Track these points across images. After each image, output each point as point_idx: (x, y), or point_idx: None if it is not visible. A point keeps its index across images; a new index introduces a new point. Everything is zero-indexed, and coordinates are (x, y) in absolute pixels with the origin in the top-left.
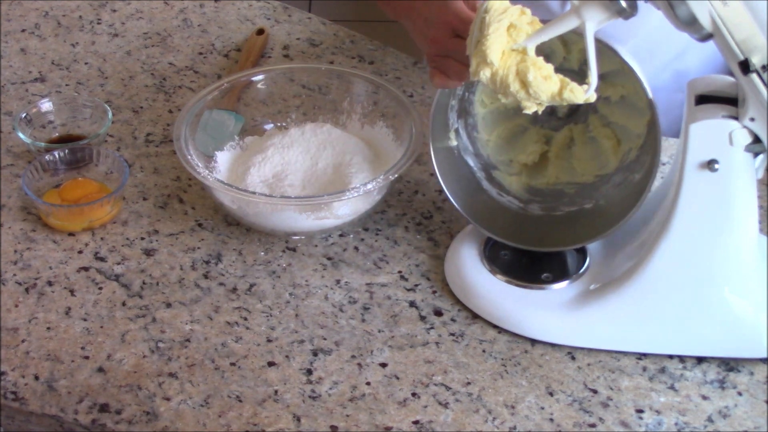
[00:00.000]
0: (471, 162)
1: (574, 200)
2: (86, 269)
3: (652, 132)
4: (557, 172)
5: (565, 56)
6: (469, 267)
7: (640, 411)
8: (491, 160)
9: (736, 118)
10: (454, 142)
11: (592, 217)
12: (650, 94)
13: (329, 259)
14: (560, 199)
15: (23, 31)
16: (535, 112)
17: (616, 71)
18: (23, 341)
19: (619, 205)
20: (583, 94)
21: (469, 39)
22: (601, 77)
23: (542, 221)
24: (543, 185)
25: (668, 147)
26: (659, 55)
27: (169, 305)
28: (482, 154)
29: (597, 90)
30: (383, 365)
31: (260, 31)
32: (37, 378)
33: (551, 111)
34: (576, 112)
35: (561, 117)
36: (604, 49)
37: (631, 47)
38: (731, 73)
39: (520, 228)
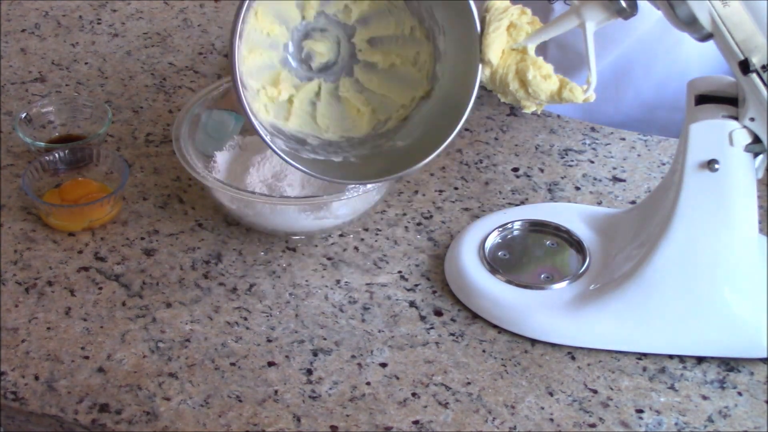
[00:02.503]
0: (235, 73)
1: (317, 151)
2: (86, 269)
3: (459, 108)
4: (299, 121)
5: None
6: (469, 267)
7: (640, 411)
8: (243, 78)
9: (736, 118)
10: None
11: (344, 169)
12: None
13: (329, 259)
14: (303, 145)
15: (23, 31)
16: (287, 57)
17: (395, 37)
18: (23, 341)
19: (375, 167)
20: (583, 94)
21: None
22: (374, 41)
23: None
24: (284, 128)
25: (668, 147)
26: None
27: (169, 305)
28: (238, 68)
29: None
30: (383, 365)
31: None
32: (37, 378)
33: (304, 60)
34: (330, 69)
35: (313, 69)
36: (397, 9)
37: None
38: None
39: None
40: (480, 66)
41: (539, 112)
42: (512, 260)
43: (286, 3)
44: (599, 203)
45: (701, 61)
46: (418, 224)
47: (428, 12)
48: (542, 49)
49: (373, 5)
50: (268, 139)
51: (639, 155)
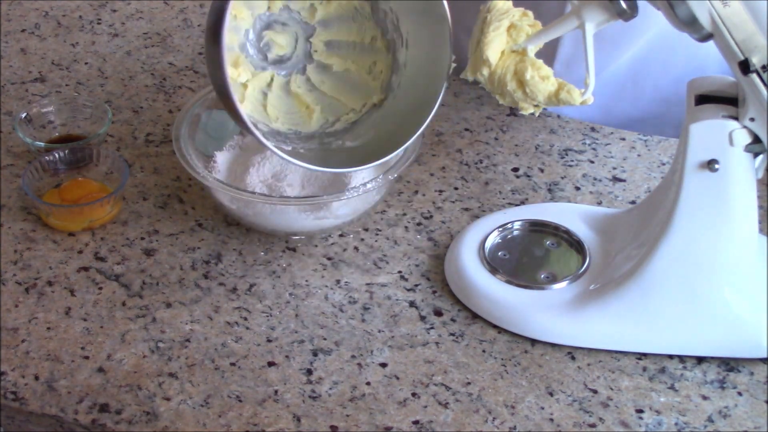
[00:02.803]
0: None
1: (267, 137)
2: (86, 269)
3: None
4: (251, 107)
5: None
6: (469, 267)
7: (640, 411)
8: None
9: (736, 118)
10: None
11: (295, 157)
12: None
13: (329, 259)
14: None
15: (23, 31)
16: (246, 43)
17: (353, 44)
18: (23, 341)
19: (325, 161)
20: (580, 96)
21: (471, 39)
22: (331, 45)
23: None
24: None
25: (668, 147)
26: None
27: (169, 305)
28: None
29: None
30: (383, 365)
31: None
32: (37, 378)
33: (262, 49)
34: (284, 63)
35: (268, 60)
36: (362, 17)
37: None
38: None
39: None
40: (445, 83)
41: (537, 114)
42: (512, 260)
43: None
44: (599, 203)
45: (719, 56)
46: (418, 224)
47: (393, 24)
48: (556, 41)
49: (340, 9)
50: (259, 135)
51: (639, 155)
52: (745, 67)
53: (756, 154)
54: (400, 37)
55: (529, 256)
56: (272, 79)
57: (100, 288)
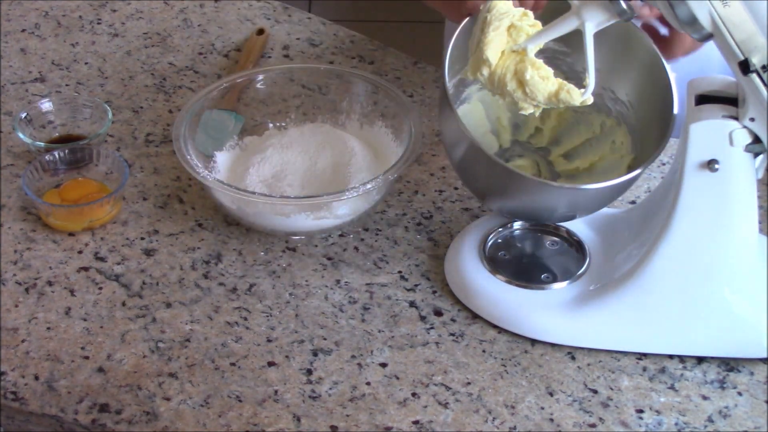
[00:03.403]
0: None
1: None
2: (86, 269)
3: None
4: None
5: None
6: (469, 267)
7: (640, 411)
8: None
9: (736, 118)
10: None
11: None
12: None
13: (329, 259)
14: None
15: (23, 31)
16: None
17: (588, 141)
18: (23, 341)
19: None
20: (580, 96)
21: (471, 39)
22: (569, 155)
23: None
24: None
25: (668, 147)
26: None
27: (169, 305)
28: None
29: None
30: (383, 365)
31: (260, 31)
32: (37, 378)
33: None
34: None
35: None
36: (584, 114)
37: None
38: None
39: None
40: (674, 106)
41: (537, 114)
42: (512, 260)
43: (483, 128)
44: None
45: (722, 57)
46: (418, 224)
47: (612, 99)
48: None
49: (561, 119)
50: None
51: None
52: (745, 67)
53: (756, 154)
54: (623, 105)
55: (529, 256)
56: (539, 168)
57: (100, 288)
